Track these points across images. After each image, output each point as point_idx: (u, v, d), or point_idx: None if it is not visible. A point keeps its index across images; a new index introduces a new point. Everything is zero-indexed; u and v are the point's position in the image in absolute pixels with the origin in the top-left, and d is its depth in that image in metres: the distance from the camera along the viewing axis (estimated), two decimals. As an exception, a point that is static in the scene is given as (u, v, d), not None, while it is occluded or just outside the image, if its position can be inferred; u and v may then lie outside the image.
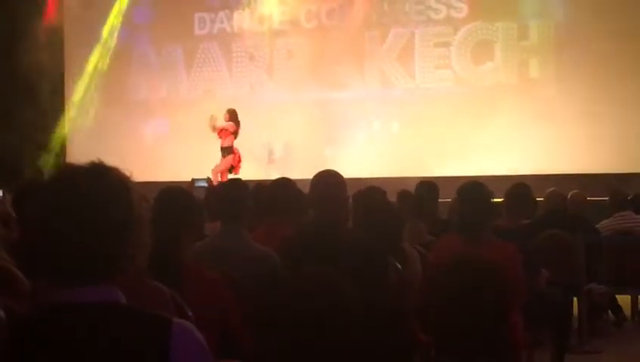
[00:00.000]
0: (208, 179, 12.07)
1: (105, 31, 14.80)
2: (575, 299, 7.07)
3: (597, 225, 7.81)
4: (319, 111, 13.45)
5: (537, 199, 7.37)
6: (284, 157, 13.50)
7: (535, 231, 6.72)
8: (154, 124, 14.62)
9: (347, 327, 2.04)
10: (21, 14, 13.71)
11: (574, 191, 8.24)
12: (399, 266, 4.27)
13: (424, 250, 5.07)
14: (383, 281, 3.88)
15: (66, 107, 15.07)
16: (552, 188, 7.79)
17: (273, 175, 7.45)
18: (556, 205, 7.56)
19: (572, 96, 12.27)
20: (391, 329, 3.58)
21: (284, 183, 4.98)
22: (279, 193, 4.87)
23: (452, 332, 2.43)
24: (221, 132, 12.31)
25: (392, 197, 6.14)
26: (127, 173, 1.96)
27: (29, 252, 2.00)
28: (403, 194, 6.57)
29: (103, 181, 1.90)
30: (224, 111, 12.41)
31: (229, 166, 12.33)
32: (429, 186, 7.10)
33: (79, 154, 12.60)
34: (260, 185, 5.60)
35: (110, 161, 1.95)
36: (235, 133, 12.36)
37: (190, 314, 3.06)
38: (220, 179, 12.01)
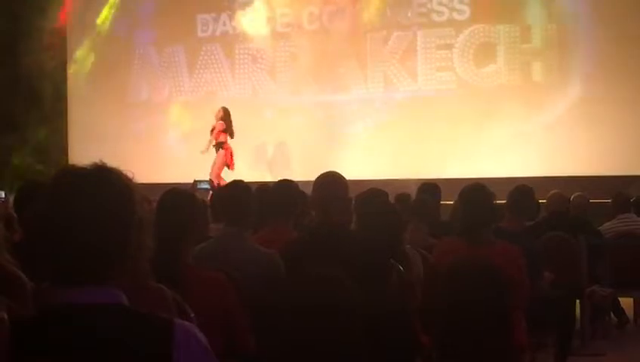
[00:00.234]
0: (210, 181, 12.11)
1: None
2: (577, 301, 7.07)
3: (599, 228, 7.81)
4: (321, 112, 13.46)
5: (540, 201, 7.38)
6: (287, 159, 13.49)
7: (537, 233, 6.74)
8: (156, 126, 14.62)
9: (350, 328, 2.03)
10: (24, 16, 13.72)
11: (577, 193, 8.25)
12: (401, 268, 4.26)
13: (426, 252, 5.06)
14: (385, 283, 3.88)
15: (68, 108, 15.07)
16: (554, 191, 7.79)
17: (276, 177, 7.46)
18: (559, 207, 7.57)
19: (574, 99, 12.26)
20: (393, 330, 3.57)
21: (286, 185, 4.98)
22: (282, 195, 4.87)
23: (454, 334, 2.43)
24: (213, 132, 12.44)
25: (394, 200, 6.14)
26: (129, 175, 1.95)
27: (30, 253, 1.99)
28: (401, 198, 6.58)
29: (105, 182, 1.89)
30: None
31: (223, 165, 12.39)
32: (431, 188, 7.11)
33: (81, 155, 12.61)
34: (263, 187, 5.60)
35: (112, 162, 1.94)
36: (228, 131, 12.41)
37: (192, 315, 3.06)
38: (220, 180, 12.07)
